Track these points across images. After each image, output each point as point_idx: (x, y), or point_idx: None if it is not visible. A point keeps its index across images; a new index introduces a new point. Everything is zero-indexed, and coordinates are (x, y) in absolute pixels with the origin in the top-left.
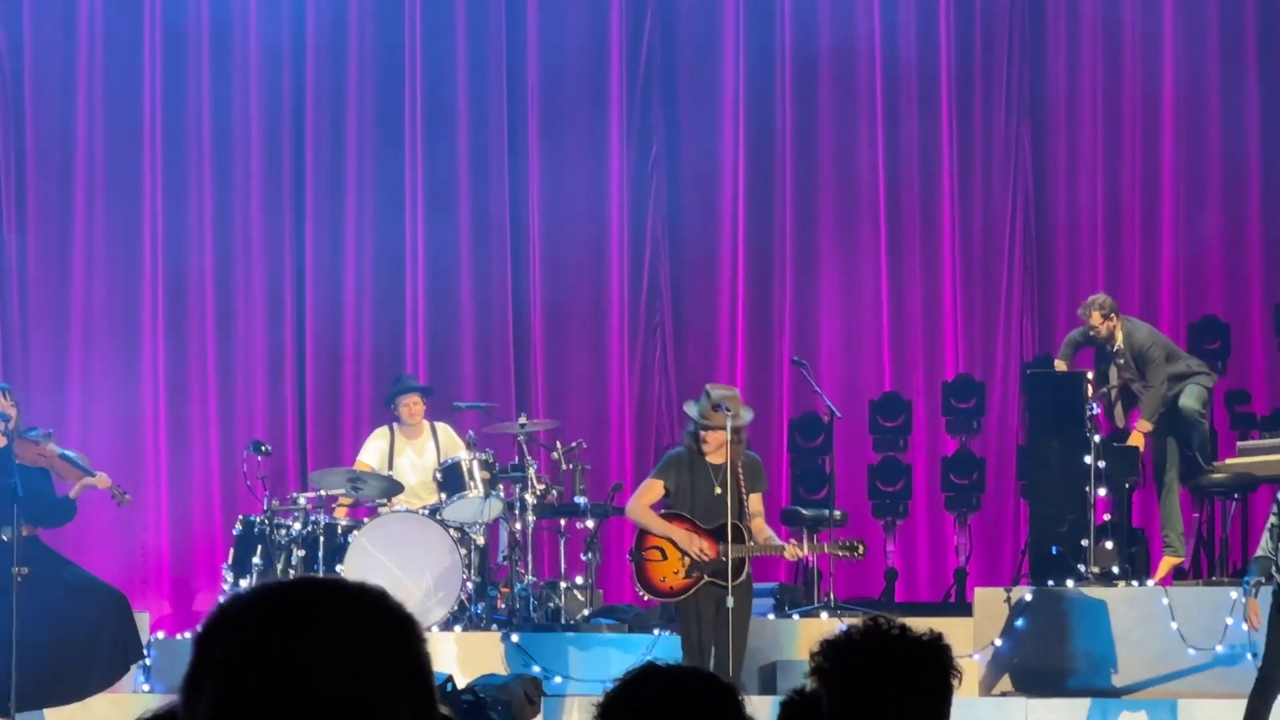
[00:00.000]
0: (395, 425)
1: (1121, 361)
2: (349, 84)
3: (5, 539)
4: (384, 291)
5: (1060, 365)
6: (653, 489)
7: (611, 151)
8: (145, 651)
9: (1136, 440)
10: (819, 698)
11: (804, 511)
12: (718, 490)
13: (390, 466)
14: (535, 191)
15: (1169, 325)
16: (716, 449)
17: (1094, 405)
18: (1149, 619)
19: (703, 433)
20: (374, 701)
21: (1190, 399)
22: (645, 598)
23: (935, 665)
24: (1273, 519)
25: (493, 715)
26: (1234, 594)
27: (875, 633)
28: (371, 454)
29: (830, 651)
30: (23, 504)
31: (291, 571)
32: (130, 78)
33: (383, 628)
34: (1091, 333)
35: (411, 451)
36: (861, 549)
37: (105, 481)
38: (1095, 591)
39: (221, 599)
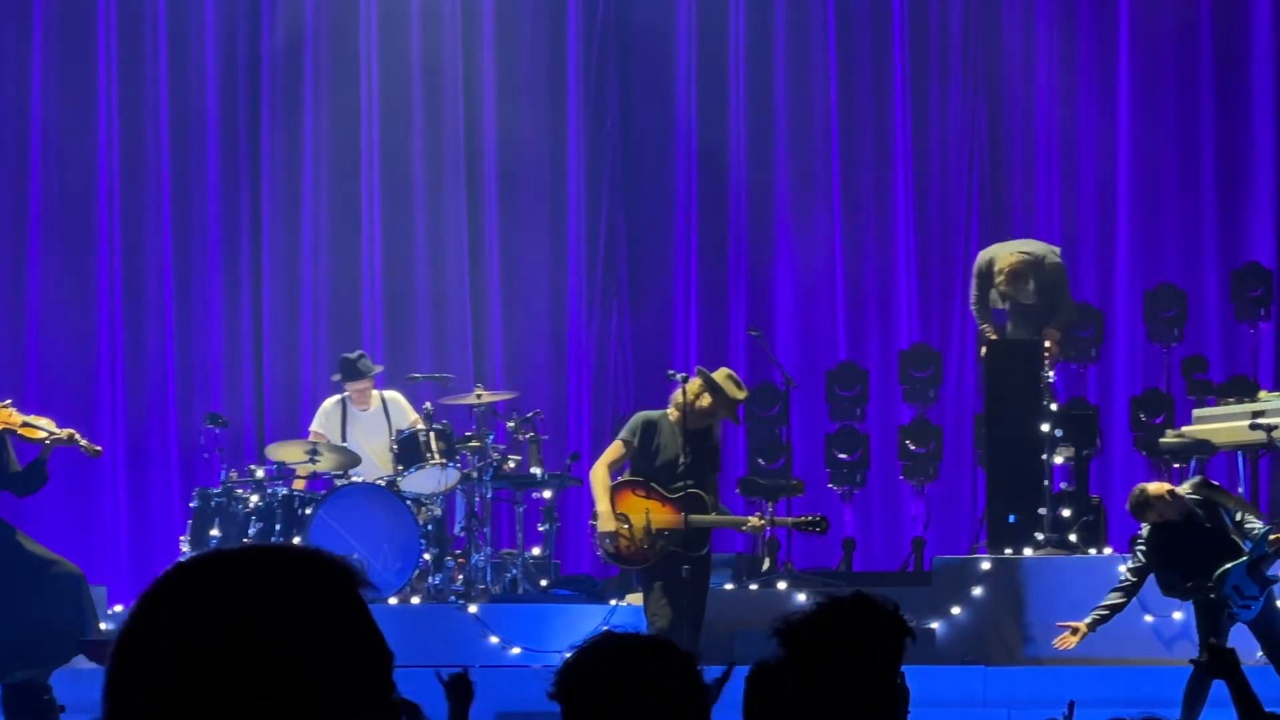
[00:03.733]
0: (346, 397)
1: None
2: (305, 53)
3: None
4: (340, 262)
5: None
6: (614, 449)
7: (569, 123)
8: (101, 629)
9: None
10: (783, 667)
11: (762, 481)
12: (683, 459)
13: (343, 438)
14: (491, 165)
15: (1125, 293)
16: (703, 416)
17: (1051, 374)
18: (1106, 586)
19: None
20: (327, 665)
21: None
22: (606, 561)
23: (889, 629)
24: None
25: None
26: None
27: (832, 602)
28: (323, 424)
29: (791, 622)
30: None
31: (249, 543)
32: (86, 49)
33: (327, 587)
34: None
35: (363, 422)
36: (823, 525)
37: (73, 436)
38: (1053, 560)
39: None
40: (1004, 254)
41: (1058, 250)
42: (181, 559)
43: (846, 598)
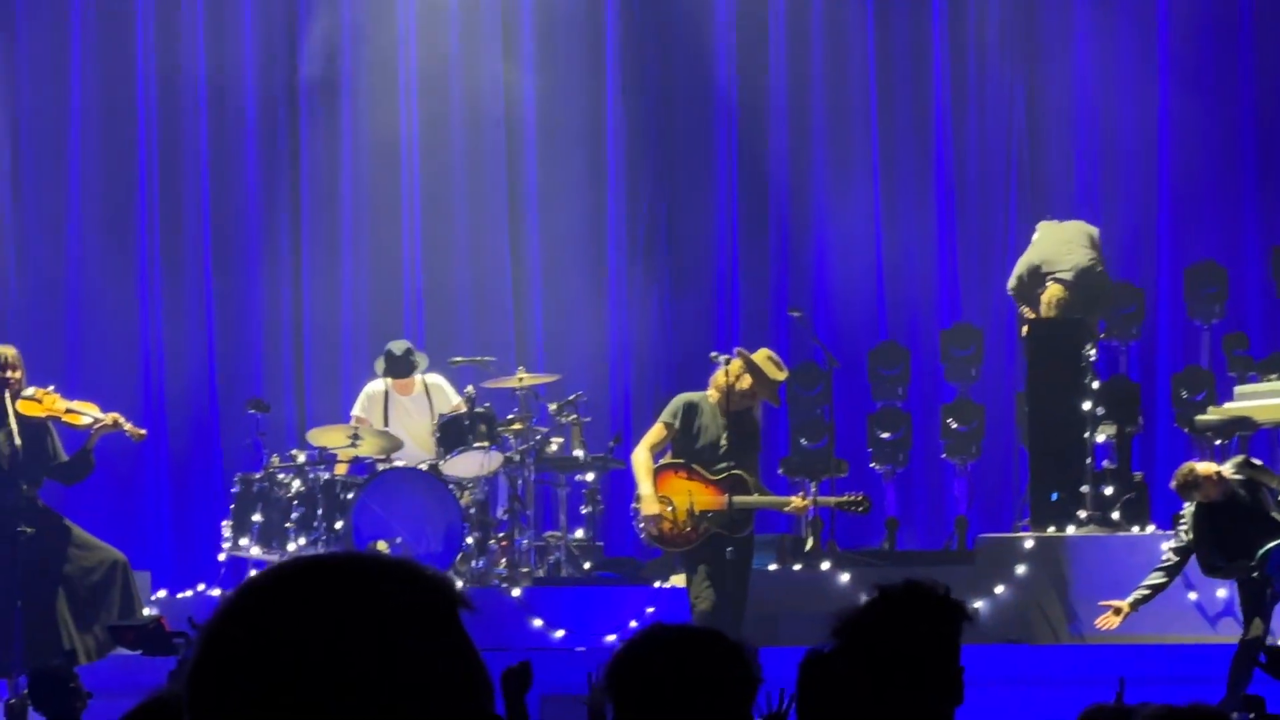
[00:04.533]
0: (388, 380)
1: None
2: (343, 38)
3: (22, 496)
4: (380, 246)
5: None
6: (656, 431)
7: (608, 107)
8: (143, 614)
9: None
10: (836, 657)
11: (804, 461)
12: (725, 440)
13: (385, 422)
14: (531, 147)
15: (1166, 271)
16: (744, 398)
17: (1093, 351)
18: (1149, 564)
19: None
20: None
21: None
22: (649, 544)
23: (946, 617)
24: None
25: None
26: None
27: (884, 594)
28: (365, 409)
29: (846, 618)
30: (30, 463)
31: (290, 527)
32: (124, 27)
33: (422, 606)
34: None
35: (405, 406)
36: (865, 505)
37: (117, 421)
38: (1096, 538)
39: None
40: (1053, 288)
41: (1095, 236)
42: (278, 562)
43: (899, 589)
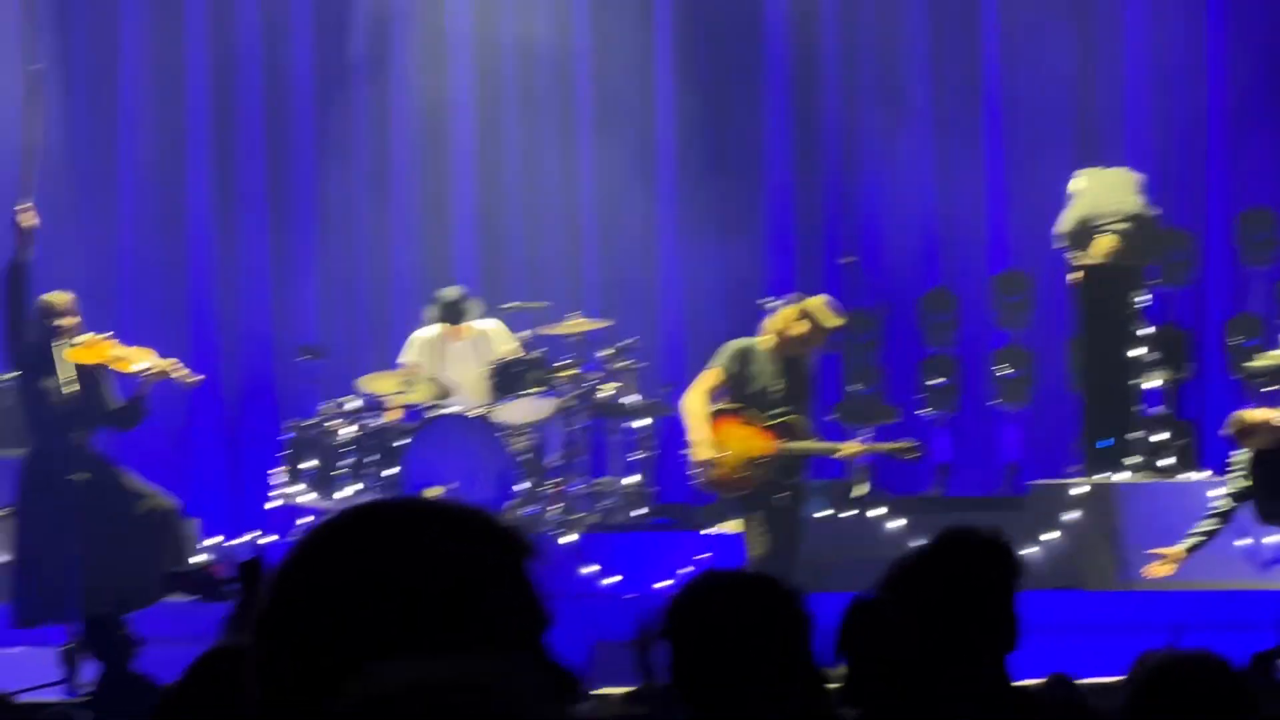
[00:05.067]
0: (440, 326)
1: None
2: None
3: (76, 443)
4: (432, 190)
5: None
6: (709, 376)
7: (659, 50)
8: (193, 562)
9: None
10: (887, 604)
11: (855, 408)
12: (777, 386)
13: (437, 369)
14: (585, 91)
15: (1218, 216)
16: (798, 344)
17: (1144, 297)
18: (1200, 510)
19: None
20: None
21: None
22: (702, 489)
23: (1003, 564)
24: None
25: None
26: None
27: (942, 538)
28: (417, 355)
29: (902, 566)
30: (83, 410)
31: (342, 474)
32: None
33: (492, 552)
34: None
35: (457, 352)
36: (917, 451)
37: (172, 367)
38: (1147, 484)
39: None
40: (1103, 239)
41: (1139, 181)
42: (350, 507)
43: (955, 535)
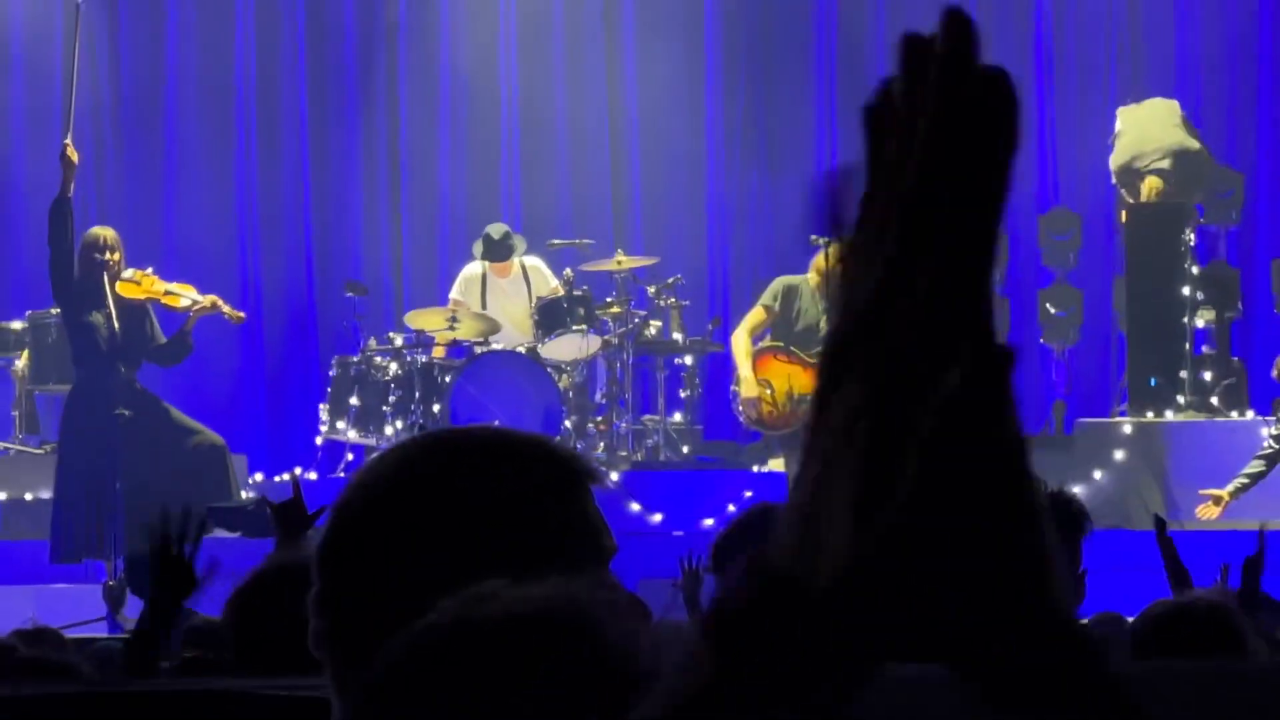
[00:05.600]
0: (485, 263)
1: None
2: None
3: (121, 379)
4: (478, 127)
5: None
6: (755, 314)
7: None
8: (242, 497)
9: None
10: None
11: None
12: (824, 324)
13: (483, 305)
14: (629, 28)
15: (1266, 155)
16: None
17: (1192, 236)
18: (1248, 449)
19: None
20: (543, 551)
21: None
22: (748, 427)
23: (1066, 520)
24: None
25: None
26: None
27: None
28: (463, 291)
29: None
30: (129, 346)
31: (388, 411)
32: None
33: (553, 476)
34: None
35: (503, 289)
36: None
37: (216, 303)
38: (1195, 423)
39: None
40: (1151, 180)
41: (1179, 111)
42: (406, 439)
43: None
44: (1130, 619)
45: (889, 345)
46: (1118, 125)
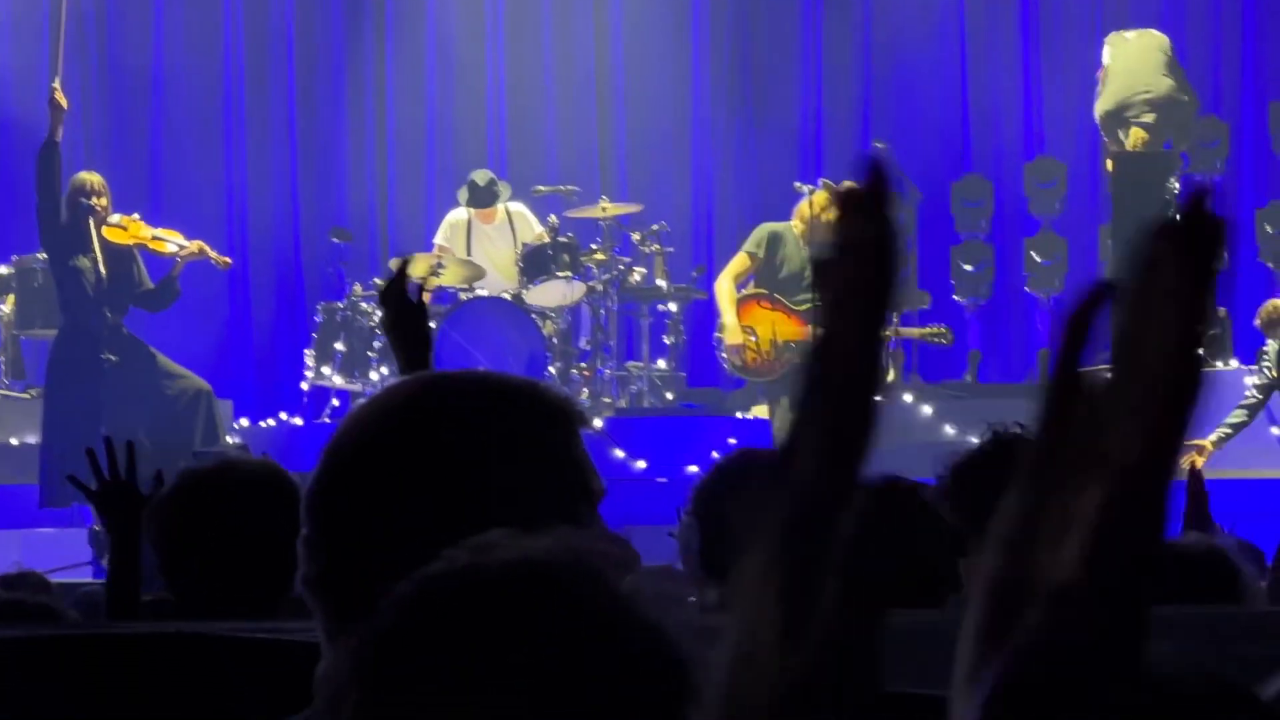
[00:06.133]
0: (470, 209)
1: None
2: None
3: (107, 324)
4: (465, 73)
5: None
6: (739, 261)
7: None
8: (227, 442)
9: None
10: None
11: None
12: (808, 271)
13: (468, 252)
14: None
15: (1251, 105)
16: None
17: (1177, 184)
18: (1232, 399)
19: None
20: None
21: None
22: (732, 374)
23: None
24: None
25: None
26: None
27: (997, 442)
28: (447, 237)
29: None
30: (116, 291)
31: (373, 357)
32: None
33: (541, 419)
34: None
35: (488, 235)
36: (948, 336)
37: (203, 248)
38: None
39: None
40: (1136, 132)
41: (1168, 49)
42: (394, 383)
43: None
44: None
45: (790, 503)
46: (1105, 57)
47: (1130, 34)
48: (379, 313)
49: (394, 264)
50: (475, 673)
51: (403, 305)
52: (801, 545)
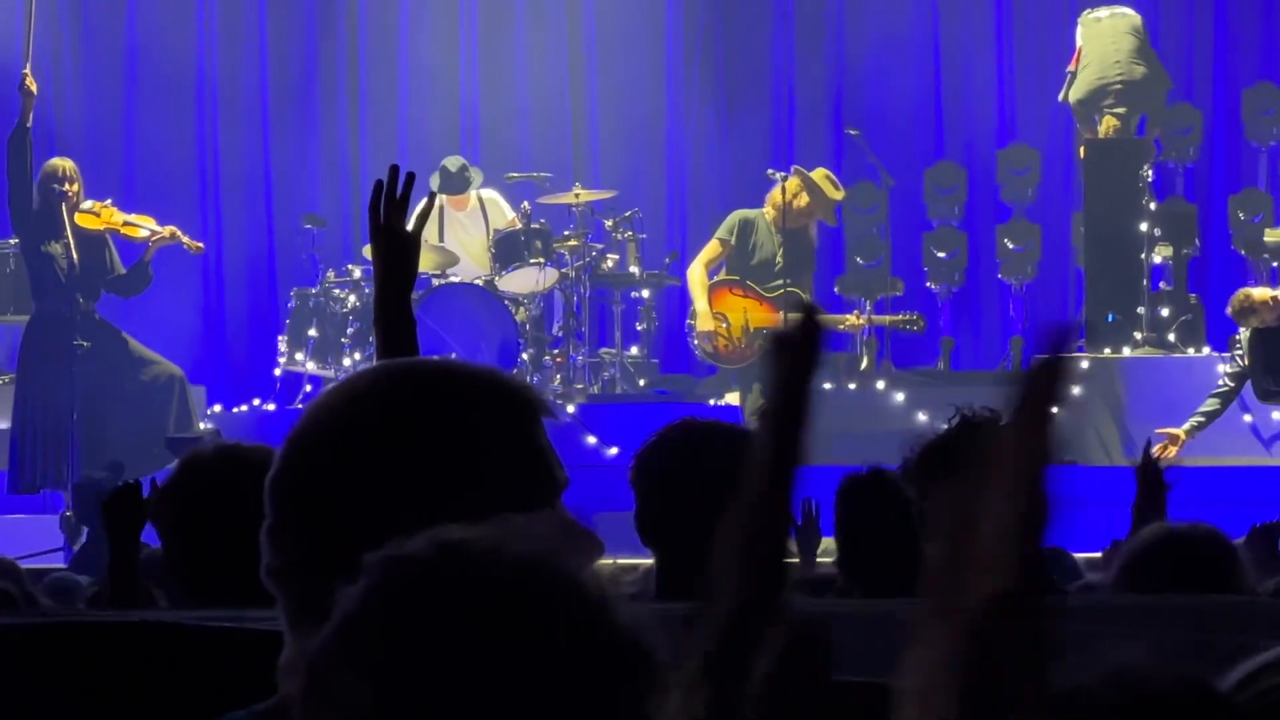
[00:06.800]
0: (442, 196)
1: None
2: None
3: (79, 309)
4: (438, 60)
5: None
6: (711, 248)
7: None
8: (200, 428)
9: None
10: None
11: (860, 280)
12: (779, 258)
13: (440, 238)
14: None
15: (1223, 92)
16: (800, 216)
17: (1150, 172)
18: (1204, 387)
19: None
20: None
21: None
22: (704, 360)
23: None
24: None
25: None
26: None
27: (964, 425)
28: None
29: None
30: (88, 276)
31: (346, 343)
32: None
33: (504, 408)
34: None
35: (460, 222)
36: (920, 323)
37: (175, 233)
38: (1151, 359)
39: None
40: (1109, 120)
41: (1139, 27)
42: (358, 371)
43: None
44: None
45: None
46: (1079, 38)
47: (1102, 12)
48: (352, 298)
49: (392, 171)
50: (436, 669)
51: (394, 228)
52: (722, 677)
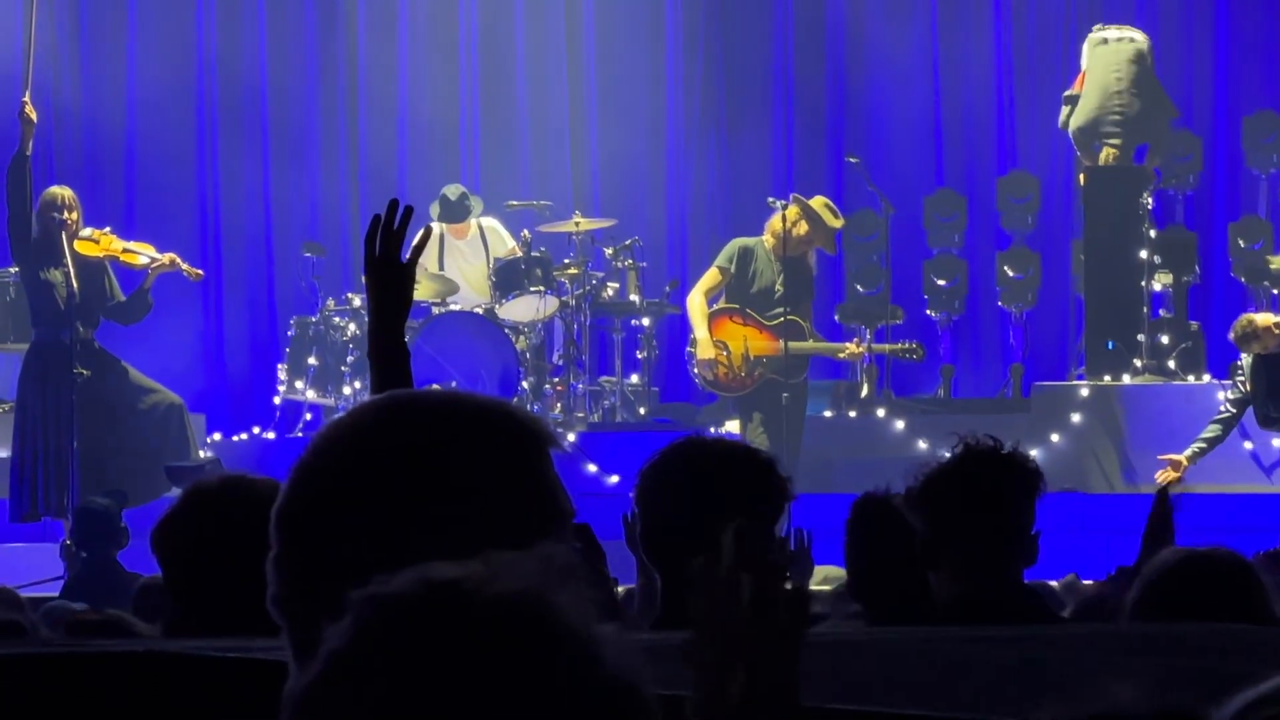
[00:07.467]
0: (442, 224)
1: None
2: None
3: (79, 338)
4: (438, 88)
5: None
6: (711, 276)
7: None
8: (200, 456)
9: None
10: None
11: (860, 308)
12: (779, 286)
13: (441, 266)
14: None
15: (1224, 119)
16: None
17: (1150, 199)
18: (1204, 413)
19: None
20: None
21: None
22: (704, 389)
23: (1027, 481)
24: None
25: None
26: None
27: (967, 454)
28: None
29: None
30: (88, 304)
31: (346, 372)
32: None
33: (512, 441)
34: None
35: (460, 250)
36: (920, 352)
37: (174, 260)
38: (1151, 386)
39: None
40: (1108, 150)
41: (1145, 53)
42: (366, 402)
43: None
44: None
45: None
46: (1084, 59)
47: (1111, 33)
48: (351, 326)
49: (391, 205)
50: (420, 709)
51: (390, 260)
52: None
